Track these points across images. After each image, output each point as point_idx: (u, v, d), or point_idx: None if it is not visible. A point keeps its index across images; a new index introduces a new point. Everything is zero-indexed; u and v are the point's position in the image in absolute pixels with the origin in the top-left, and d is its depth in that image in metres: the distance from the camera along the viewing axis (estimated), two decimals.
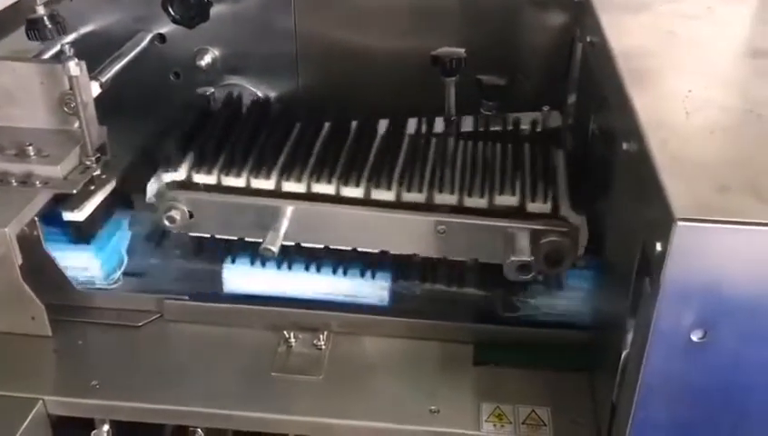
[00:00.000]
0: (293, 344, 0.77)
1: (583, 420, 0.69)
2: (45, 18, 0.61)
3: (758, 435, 0.52)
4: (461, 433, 0.68)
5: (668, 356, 0.50)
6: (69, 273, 0.78)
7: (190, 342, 0.78)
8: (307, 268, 0.77)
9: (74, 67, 0.76)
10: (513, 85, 0.94)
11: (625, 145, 0.59)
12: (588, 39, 0.81)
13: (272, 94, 1.02)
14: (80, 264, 0.79)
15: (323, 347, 0.76)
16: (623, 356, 0.56)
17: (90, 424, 0.74)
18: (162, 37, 1.01)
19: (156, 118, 0.99)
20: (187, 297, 0.80)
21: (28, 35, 0.66)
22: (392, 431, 0.69)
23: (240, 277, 0.78)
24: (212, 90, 0.96)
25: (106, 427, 0.74)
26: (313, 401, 0.71)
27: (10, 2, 0.57)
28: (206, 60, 1.01)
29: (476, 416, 0.69)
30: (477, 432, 0.68)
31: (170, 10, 0.93)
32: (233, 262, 0.78)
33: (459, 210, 0.73)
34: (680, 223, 0.45)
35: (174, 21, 0.95)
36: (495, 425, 0.69)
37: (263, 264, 0.77)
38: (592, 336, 0.73)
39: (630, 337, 0.55)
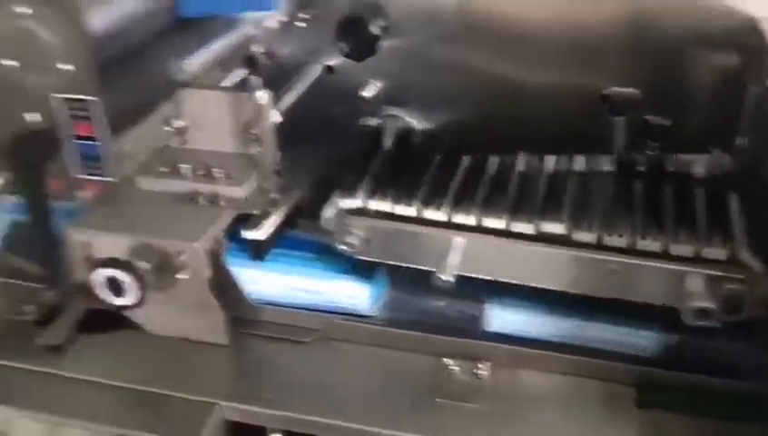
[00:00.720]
0: (455, 372, 0.79)
1: None
2: (261, 55, 0.67)
3: None
4: None
5: None
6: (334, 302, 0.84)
7: (354, 362, 0.81)
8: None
9: (263, 96, 0.81)
10: (679, 126, 0.92)
11: None
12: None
13: (431, 126, 1.05)
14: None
15: (485, 377, 0.78)
16: None
17: (260, 432, 0.78)
18: (330, 69, 1.06)
19: (320, 145, 1.05)
20: (353, 318, 0.83)
21: (247, 71, 0.72)
22: None
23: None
24: (378, 121, 1.01)
25: None
26: (476, 430, 0.72)
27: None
28: (370, 91, 1.05)
29: None
30: None
31: (342, 45, 0.98)
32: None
33: (631, 252, 0.73)
34: None
35: (345, 55, 0.99)
36: None
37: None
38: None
39: None
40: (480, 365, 0.78)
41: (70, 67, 0.53)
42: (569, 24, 0.94)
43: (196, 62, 0.56)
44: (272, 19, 0.60)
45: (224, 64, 0.61)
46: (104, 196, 0.57)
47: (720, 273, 0.69)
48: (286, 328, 0.84)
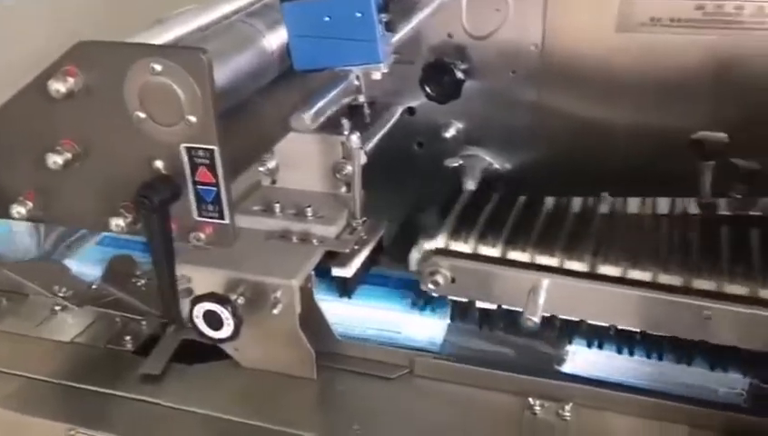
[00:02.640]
0: (538, 412, 0.79)
1: None
2: (365, 105, 0.70)
3: None
4: None
5: None
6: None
7: (438, 399, 0.83)
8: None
9: (356, 140, 0.85)
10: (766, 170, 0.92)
11: None
12: None
13: (509, 166, 1.07)
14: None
15: (569, 418, 0.78)
16: None
17: None
18: (411, 110, 1.09)
19: (402, 184, 1.08)
20: (437, 355, 0.85)
21: (352, 120, 0.76)
22: None
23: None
24: (460, 161, 1.04)
25: None
26: None
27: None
28: (450, 132, 1.08)
29: None
30: None
31: (426, 88, 1.02)
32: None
33: (719, 296, 0.73)
34: None
35: (429, 98, 1.03)
36: None
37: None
38: None
39: None
40: (566, 406, 0.79)
41: (194, 119, 0.57)
42: (652, 65, 0.95)
43: (311, 113, 0.59)
44: (378, 71, 0.64)
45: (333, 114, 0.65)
46: (224, 237, 0.61)
47: None
48: (371, 363, 0.87)
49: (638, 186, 0.93)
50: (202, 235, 0.62)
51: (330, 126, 0.85)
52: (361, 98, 0.69)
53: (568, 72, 0.99)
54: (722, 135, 0.85)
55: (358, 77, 0.66)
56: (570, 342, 0.84)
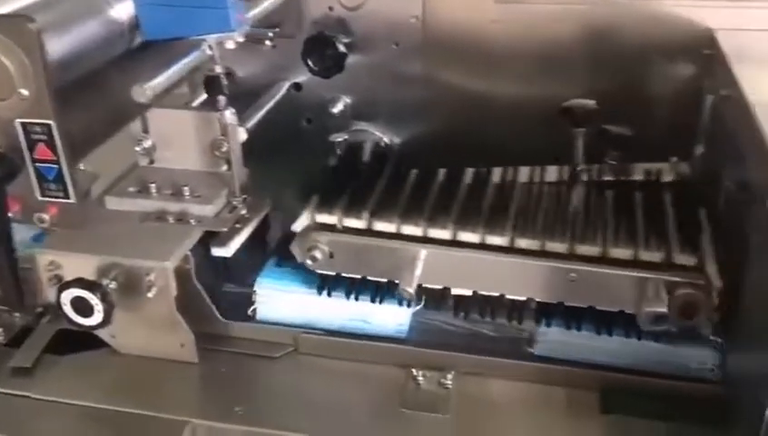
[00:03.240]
0: (421, 382, 0.80)
1: None
2: (222, 76, 0.68)
3: None
4: None
5: None
6: None
7: (323, 375, 0.82)
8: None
9: (230, 116, 0.83)
10: (639, 136, 0.94)
11: None
12: (722, 92, 0.82)
13: (399, 140, 1.07)
14: None
15: (450, 386, 0.79)
16: (766, 414, 0.56)
17: None
18: (297, 86, 1.07)
19: (289, 161, 1.07)
20: (321, 332, 0.84)
21: (206, 91, 0.73)
22: None
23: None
24: (345, 136, 1.03)
25: None
26: None
27: None
28: (338, 107, 1.07)
29: None
30: None
31: (309, 62, 1.00)
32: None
33: (602, 260, 0.74)
34: None
35: (313, 72, 1.01)
36: None
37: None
38: (727, 391, 0.72)
39: None
40: (447, 375, 0.79)
41: (27, 92, 0.54)
42: (530, 36, 0.96)
43: (153, 84, 0.57)
44: (231, 40, 0.61)
45: (184, 85, 0.62)
46: (71, 218, 0.58)
47: (678, 279, 0.71)
48: (256, 343, 0.85)
49: (526, 156, 0.94)
50: (47, 216, 0.59)
51: (209, 103, 0.83)
52: (218, 69, 0.67)
53: (451, 44, 1.00)
54: (590, 102, 0.87)
55: (211, 47, 0.63)
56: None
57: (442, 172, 0.92)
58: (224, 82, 0.69)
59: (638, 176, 0.91)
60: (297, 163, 1.07)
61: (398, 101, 1.04)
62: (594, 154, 0.94)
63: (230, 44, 0.62)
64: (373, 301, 0.82)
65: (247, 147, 0.91)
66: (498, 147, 0.97)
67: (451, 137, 1.02)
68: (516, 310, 0.79)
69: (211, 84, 0.69)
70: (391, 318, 0.82)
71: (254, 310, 0.85)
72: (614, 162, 0.93)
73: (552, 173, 0.92)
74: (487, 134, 1.00)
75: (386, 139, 1.07)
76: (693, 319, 0.70)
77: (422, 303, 0.82)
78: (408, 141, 1.06)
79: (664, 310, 0.68)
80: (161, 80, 0.57)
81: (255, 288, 0.85)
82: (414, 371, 0.80)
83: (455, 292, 0.79)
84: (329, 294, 0.83)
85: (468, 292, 0.79)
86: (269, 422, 0.76)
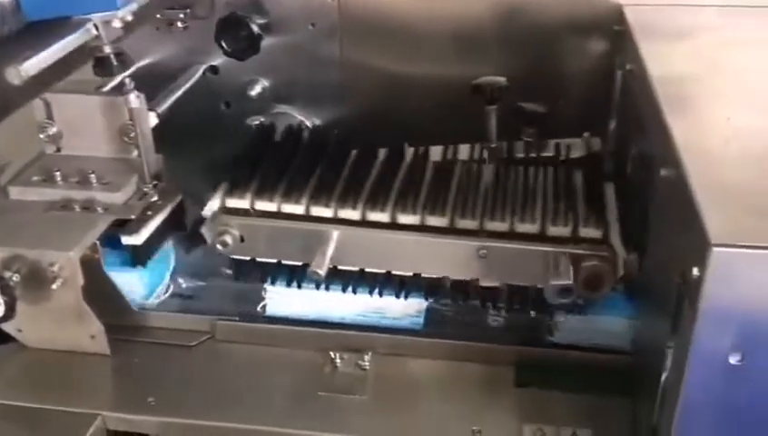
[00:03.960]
0: (339, 365, 0.79)
1: None
2: (112, 56, 0.66)
3: None
4: None
5: (707, 379, 0.51)
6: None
7: (239, 362, 0.81)
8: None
9: (135, 100, 0.80)
10: (554, 112, 0.95)
11: (663, 172, 0.60)
12: (627, 66, 0.83)
13: (319, 122, 1.06)
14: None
15: (368, 367, 0.79)
16: (662, 379, 0.57)
17: None
18: (214, 69, 1.05)
19: (208, 146, 1.04)
20: (237, 318, 0.83)
21: (95, 72, 0.71)
22: None
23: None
24: (262, 119, 1.01)
25: None
26: (359, 420, 0.73)
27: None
28: (256, 90, 1.05)
29: None
30: None
31: (223, 44, 0.98)
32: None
33: (509, 235, 0.75)
34: (716, 249, 0.47)
35: (227, 54, 0.99)
36: None
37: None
38: (634, 360, 0.74)
39: (670, 361, 0.56)
40: (365, 356, 0.79)
41: None
42: (444, 15, 0.96)
43: (27, 65, 0.54)
44: (117, 19, 0.59)
45: (69, 65, 0.59)
46: None
47: (583, 252, 0.72)
48: (171, 333, 0.83)
49: (441, 135, 0.93)
50: None
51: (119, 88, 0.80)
52: (107, 49, 0.64)
53: (367, 24, 0.99)
54: (501, 80, 0.87)
55: (96, 26, 0.61)
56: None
57: (358, 154, 0.90)
58: (115, 63, 0.66)
59: (551, 152, 0.91)
60: (217, 147, 1.05)
61: (317, 82, 1.03)
62: (510, 132, 0.94)
63: (116, 23, 0.60)
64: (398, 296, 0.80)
65: (160, 132, 0.89)
66: (416, 126, 0.97)
67: (370, 117, 1.02)
68: (431, 288, 0.79)
69: (101, 65, 0.66)
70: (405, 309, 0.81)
71: (264, 307, 0.83)
72: (529, 139, 0.93)
73: (466, 151, 0.92)
74: (405, 114, 0.99)
75: (306, 121, 1.06)
76: (598, 290, 0.71)
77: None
78: (329, 122, 1.05)
79: (569, 282, 0.69)
80: (35, 60, 0.55)
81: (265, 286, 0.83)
82: (332, 354, 0.80)
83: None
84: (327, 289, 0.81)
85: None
86: (183, 412, 0.75)
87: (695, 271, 0.48)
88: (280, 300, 0.82)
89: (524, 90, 0.95)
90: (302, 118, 1.06)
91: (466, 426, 0.72)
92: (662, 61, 0.74)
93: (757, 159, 0.56)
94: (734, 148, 0.58)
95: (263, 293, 0.82)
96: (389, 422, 0.73)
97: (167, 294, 0.87)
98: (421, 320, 0.81)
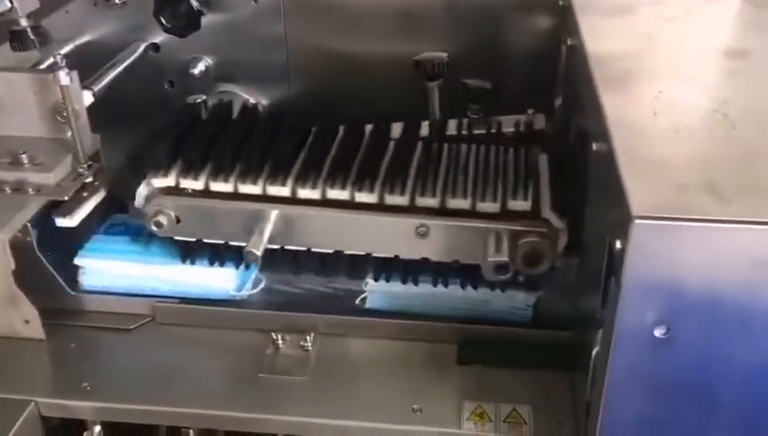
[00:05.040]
0: (281, 346, 0.78)
1: (563, 418, 0.70)
2: (28, 30, 0.63)
3: (724, 430, 0.53)
4: (443, 432, 0.69)
5: (633, 352, 0.51)
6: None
7: (180, 345, 0.80)
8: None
9: (65, 77, 0.78)
10: (500, 89, 0.95)
11: (595, 146, 0.60)
12: (569, 42, 0.82)
13: (264, 101, 1.04)
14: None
15: (310, 348, 0.78)
16: (593, 354, 0.57)
17: (82, 426, 0.75)
18: (156, 47, 1.02)
19: (151, 126, 1.02)
20: (177, 300, 0.81)
21: (12, 47, 0.68)
22: (375, 429, 0.70)
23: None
24: (204, 97, 0.99)
25: (98, 428, 0.76)
26: (298, 401, 0.72)
27: None
28: (199, 68, 1.03)
29: (458, 415, 0.70)
30: (458, 431, 0.69)
31: (161, 20, 0.95)
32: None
33: (442, 212, 0.74)
34: (637, 221, 0.46)
35: (166, 30, 0.97)
36: (476, 423, 0.70)
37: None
38: (573, 336, 0.74)
39: (600, 335, 0.56)
40: (307, 337, 0.78)
41: None
42: None
43: None
44: None
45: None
46: None
47: (521, 228, 0.71)
48: (109, 316, 0.82)
49: (381, 113, 0.92)
50: None
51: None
52: (23, 22, 0.62)
53: (311, 1, 0.97)
54: (442, 55, 0.86)
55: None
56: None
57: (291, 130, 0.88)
58: (32, 36, 0.64)
59: (495, 129, 0.91)
60: (161, 126, 1.02)
61: (261, 60, 1.01)
62: (456, 108, 0.93)
63: None
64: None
65: (99, 111, 0.86)
66: (362, 104, 0.96)
67: (316, 96, 1.00)
68: (355, 266, 0.79)
69: (17, 39, 0.64)
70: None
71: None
72: (475, 115, 0.93)
73: (410, 128, 0.91)
74: (351, 92, 0.98)
75: (252, 99, 1.04)
76: (537, 266, 0.71)
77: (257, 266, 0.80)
78: (274, 101, 1.03)
79: (505, 259, 0.69)
80: None
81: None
82: (274, 335, 0.79)
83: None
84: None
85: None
86: (118, 396, 0.73)
87: (618, 244, 0.48)
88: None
89: (470, 66, 0.94)
90: (247, 96, 1.04)
91: (406, 405, 0.71)
92: (600, 36, 0.74)
93: (683, 132, 0.56)
94: (662, 122, 0.57)
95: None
96: (329, 403, 0.72)
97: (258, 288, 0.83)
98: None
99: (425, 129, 0.87)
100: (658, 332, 0.50)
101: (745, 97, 0.61)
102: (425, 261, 0.77)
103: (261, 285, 0.83)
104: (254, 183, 0.77)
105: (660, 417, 0.53)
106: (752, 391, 0.51)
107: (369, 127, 0.87)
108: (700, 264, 0.48)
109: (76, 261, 0.82)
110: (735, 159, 0.52)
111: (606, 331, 0.53)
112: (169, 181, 0.78)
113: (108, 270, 0.82)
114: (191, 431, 0.79)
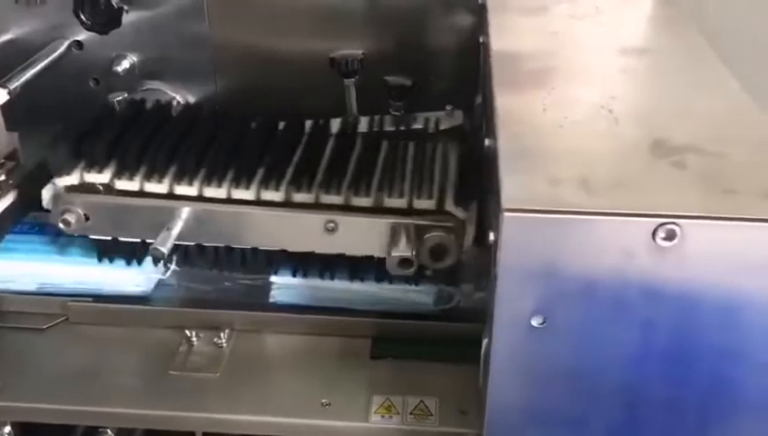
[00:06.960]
0: (195, 343, 0.78)
1: (468, 409, 0.71)
2: None
3: (604, 416, 0.55)
4: (349, 425, 0.70)
5: (513, 342, 0.52)
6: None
7: (94, 344, 0.79)
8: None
9: None
10: (421, 86, 0.96)
11: (486, 142, 0.61)
12: (481, 40, 0.84)
13: (191, 98, 1.04)
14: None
15: (224, 345, 0.78)
16: (483, 345, 0.59)
17: None
18: (79, 44, 1.01)
19: (78, 124, 1.01)
20: (91, 299, 0.81)
21: None
22: (281, 424, 0.70)
23: None
24: (125, 95, 0.98)
25: (7, 429, 0.75)
26: (208, 398, 0.73)
27: None
28: (123, 66, 1.02)
29: (365, 408, 0.71)
30: (364, 424, 0.70)
31: (81, 16, 0.95)
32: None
33: (350, 208, 0.75)
34: (506, 214, 0.47)
35: (87, 27, 0.96)
36: (383, 416, 0.70)
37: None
38: (481, 329, 0.75)
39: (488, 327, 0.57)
40: (222, 334, 0.78)
41: None
42: None
43: None
44: None
45: None
46: None
47: (425, 223, 0.72)
48: (21, 316, 0.81)
49: (301, 110, 0.92)
50: None
51: None
52: None
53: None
54: (357, 52, 0.86)
55: None
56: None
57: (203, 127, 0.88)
58: None
59: (404, 127, 0.91)
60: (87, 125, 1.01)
61: (185, 57, 1.01)
62: (378, 106, 0.94)
63: None
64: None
65: (17, 109, 0.85)
66: (283, 101, 0.96)
67: (242, 93, 1.01)
68: (272, 262, 0.79)
69: None
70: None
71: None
72: (397, 112, 0.93)
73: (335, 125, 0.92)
74: (274, 89, 0.98)
75: (179, 97, 1.04)
76: (443, 261, 0.72)
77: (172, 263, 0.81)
78: (200, 98, 1.03)
79: (408, 254, 0.70)
80: None
81: None
82: (188, 332, 0.79)
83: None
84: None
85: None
86: (28, 396, 0.73)
87: (491, 235, 0.49)
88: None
89: (390, 64, 0.95)
90: (173, 94, 1.04)
91: (315, 399, 0.72)
92: (506, 34, 0.75)
93: (567, 127, 0.58)
94: (549, 117, 0.59)
95: None
96: (239, 399, 0.72)
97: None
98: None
99: (337, 126, 0.87)
100: (535, 322, 0.51)
101: (633, 94, 0.63)
102: (341, 256, 0.77)
103: (174, 283, 0.82)
104: (160, 181, 0.77)
105: (542, 405, 0.55)
106: (628, 377, 0.53)
107: (281, 124, 0.87)
108: (571, 255, 0.49)
109: None
110: (611, 153, 0.54)
111: (489, 322, 0.54)
112: (73, 179, 0.77)
113: (21, 269, 0.81)
114: (108, 431, 0.79)
